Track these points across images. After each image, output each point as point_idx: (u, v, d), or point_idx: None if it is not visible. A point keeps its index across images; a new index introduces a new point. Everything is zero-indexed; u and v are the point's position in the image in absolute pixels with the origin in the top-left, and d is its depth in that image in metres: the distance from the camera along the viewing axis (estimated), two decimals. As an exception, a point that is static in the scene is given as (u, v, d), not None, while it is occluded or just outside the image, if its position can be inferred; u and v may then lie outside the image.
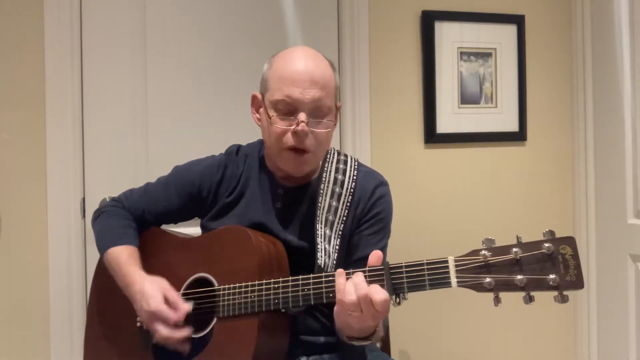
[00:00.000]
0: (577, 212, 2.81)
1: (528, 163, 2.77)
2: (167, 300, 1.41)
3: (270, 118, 1.46)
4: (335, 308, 1.27)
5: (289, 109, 1.44)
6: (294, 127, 1.43)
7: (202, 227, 1.66)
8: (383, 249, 1.57)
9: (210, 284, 1.47)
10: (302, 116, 1.42)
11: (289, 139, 1.44)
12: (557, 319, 2.78)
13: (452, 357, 2.65)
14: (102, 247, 1.60)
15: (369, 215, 1.56)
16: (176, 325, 1.40)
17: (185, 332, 1.40)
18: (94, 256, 1.75)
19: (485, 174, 2.71)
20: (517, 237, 1.14)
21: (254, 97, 1.57)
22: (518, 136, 2.75)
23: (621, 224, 2.57)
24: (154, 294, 1.42)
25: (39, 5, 2.18)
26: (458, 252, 1.21)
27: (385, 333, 1.82)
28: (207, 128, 2.37)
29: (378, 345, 1.70)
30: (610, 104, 2.63)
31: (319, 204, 1.51)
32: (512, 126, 2.73)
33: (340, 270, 1.27)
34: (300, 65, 1.45)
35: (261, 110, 1.51)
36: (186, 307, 1.41)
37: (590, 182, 2.75)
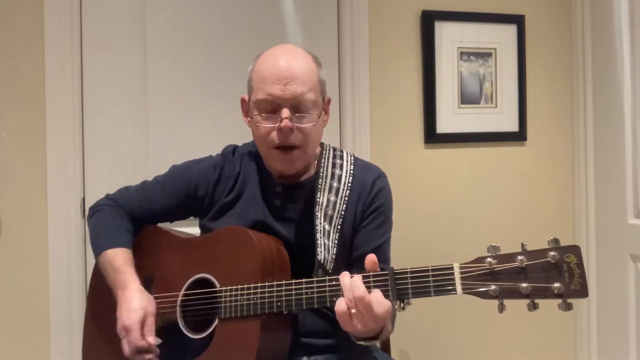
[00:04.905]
0: (577, 212, 2.81)
1: (528, 163, 2.77)
2: (143, 325, 1.43)
3: (254, 118, 1.49)
4: (336, 309, 1.26)
5: (272, 107, 1.46)
6: (278, 124, 1.44)
7: (202, 227, 1.66)
8: (386, 242, 1.59)
9: (212, 284, 1.47)
10: (284, 112, 1.44)
11: (274, 138, 1.46)
12: (557, 318, 2.77)
13: (453, 357, 2.66)
14: (96, 248, 1.62)
15: (371, 209, 1.57)
16: (139, 352, 1.42)
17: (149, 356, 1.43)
18: (93, 256, 1.76)
19: (485, 174, 2.71)
20: (522, 245, 1.14)
21: (242, 101, 1.59)
22: (518, 136, 2.74)
23: (621, 224, 2.57)
24: (137, 311, 1.44)
25: (39, 5, 2.18)
26: (458, 252, 1.21)
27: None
28: (207, 128, 2.36)
29: (378, 345, 1.70)
30: (610, 104, 2.63)
31: (318, 200, 1.52)
32: (512, 126, 2.73)
33: (345, 273, 1.27)
34: (279, 63, 1.46)
35: (249, 112, 1.53)
36: (153, 340, 1.43)
37: (590, 182, 2.74)
